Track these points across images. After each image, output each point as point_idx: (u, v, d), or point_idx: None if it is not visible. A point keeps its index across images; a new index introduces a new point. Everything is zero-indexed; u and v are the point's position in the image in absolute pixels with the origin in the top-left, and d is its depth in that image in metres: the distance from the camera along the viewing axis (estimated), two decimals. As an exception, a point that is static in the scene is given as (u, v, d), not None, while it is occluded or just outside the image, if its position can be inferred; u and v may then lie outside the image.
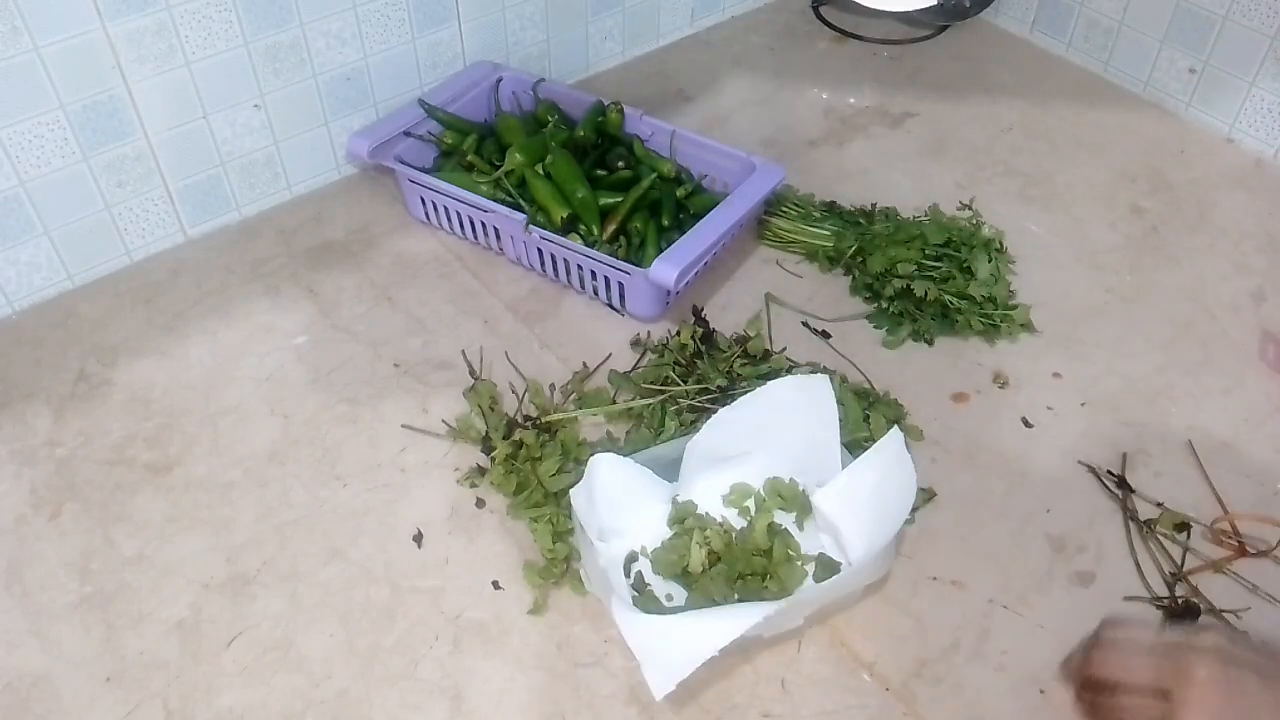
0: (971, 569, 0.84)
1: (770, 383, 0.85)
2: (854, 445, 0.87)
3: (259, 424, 0.95)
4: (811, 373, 0.92)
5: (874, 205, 1.16)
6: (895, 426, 0.81)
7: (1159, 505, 0.88)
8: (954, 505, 0.88)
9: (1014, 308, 1.05)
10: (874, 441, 0.82)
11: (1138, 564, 0.84)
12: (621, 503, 0.81)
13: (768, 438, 0.84)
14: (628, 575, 0.81)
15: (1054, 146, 1.30)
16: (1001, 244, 1.10)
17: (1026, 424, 0.95)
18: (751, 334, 1.00)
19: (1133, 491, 0.89)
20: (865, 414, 0.92)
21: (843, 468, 0.82)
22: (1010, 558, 0.85)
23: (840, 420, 0.85)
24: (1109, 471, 0.91)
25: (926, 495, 0.88)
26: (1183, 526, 0.86)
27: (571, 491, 0.81)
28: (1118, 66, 1.39)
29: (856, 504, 0.80)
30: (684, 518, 0.82)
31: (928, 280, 1.03)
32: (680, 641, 0.70)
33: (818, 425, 0.84)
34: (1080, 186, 1.23)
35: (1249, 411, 0.97)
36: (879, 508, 0.78)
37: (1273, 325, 1.05)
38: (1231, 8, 1.22)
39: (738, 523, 0.83)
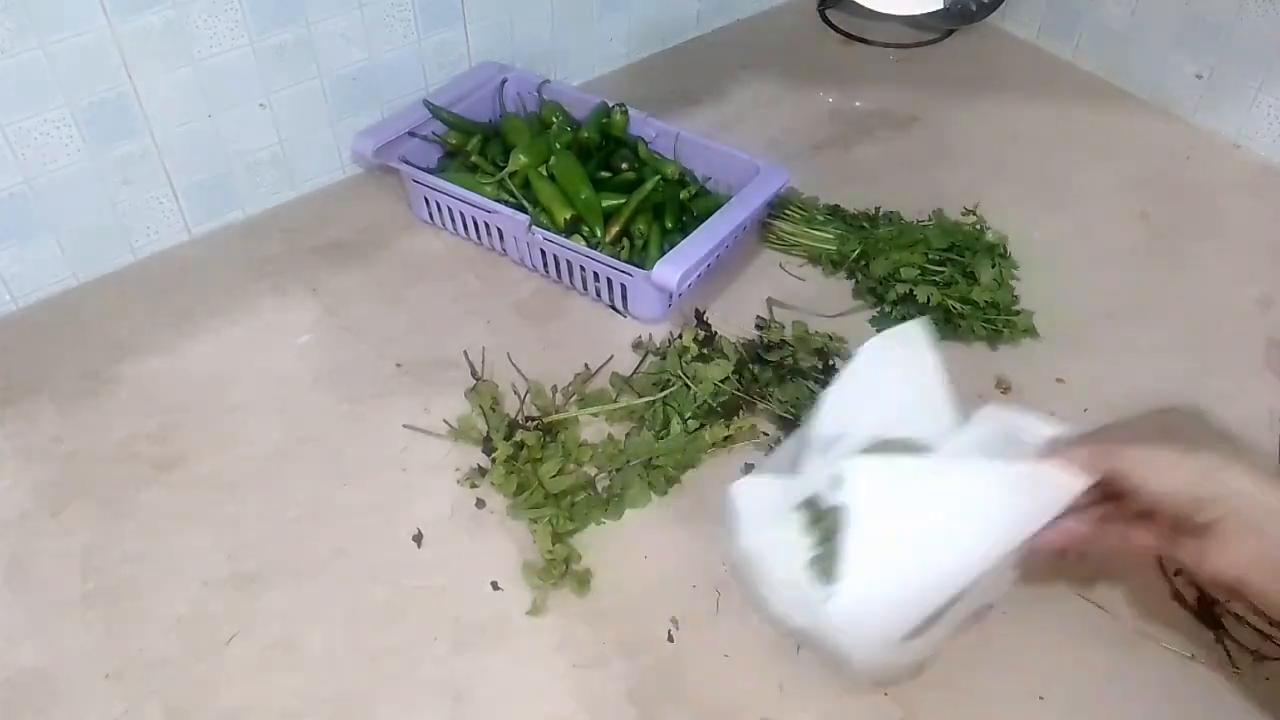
0: (972, 574, 0.84)
1: (862, 347, 0.77)
2: None
3: (263, 422, 0.95)
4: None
5: (878, 209, 1.16)
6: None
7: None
8: (955, 510, 0.88)
9: (1017, 313, 1.04)
10: None
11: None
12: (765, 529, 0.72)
13: (874, 403, 0.75)
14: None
15: (1060, 151, 1.29)
16: (1005, 249, 1.10)
17: (1029, 429, 0.95)
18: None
19: None
20: None
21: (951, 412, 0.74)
22: (1011, 563, 0.85)
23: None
24: None
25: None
26: None
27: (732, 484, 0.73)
28: (1125, 72, 1.38)
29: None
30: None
31: (931, 285, 1.03)
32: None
33: (919, 373, 0.76)
34: (1086, 192, 1.23)
35: (1254, 419, 0.96)
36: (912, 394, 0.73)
37: (1279, 333, 1.05)
38: (1240, 14, 1.22)
39: None
